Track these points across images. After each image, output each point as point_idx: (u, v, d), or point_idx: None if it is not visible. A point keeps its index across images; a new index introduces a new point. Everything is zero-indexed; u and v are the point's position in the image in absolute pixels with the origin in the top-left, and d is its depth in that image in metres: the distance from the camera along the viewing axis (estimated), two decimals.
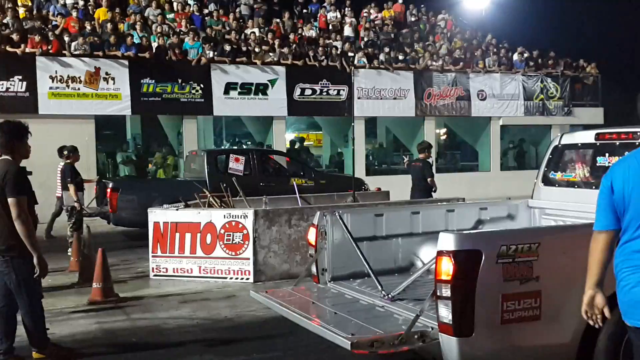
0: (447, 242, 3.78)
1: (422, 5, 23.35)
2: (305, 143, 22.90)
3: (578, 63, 22.80)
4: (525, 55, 21.95)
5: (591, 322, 2.95)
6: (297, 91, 18.15)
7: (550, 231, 4.33)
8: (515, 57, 21.79)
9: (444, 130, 24.99)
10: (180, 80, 16.72)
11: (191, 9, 19.04)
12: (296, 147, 20.36)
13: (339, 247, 5.39)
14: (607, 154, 5.30)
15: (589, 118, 22.63)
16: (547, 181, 5.89)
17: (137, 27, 17.01)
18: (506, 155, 22.82)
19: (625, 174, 2.79)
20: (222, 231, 8.23)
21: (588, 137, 5.57)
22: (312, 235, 5.42)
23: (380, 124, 22.80)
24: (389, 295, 4.69)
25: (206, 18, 18.89)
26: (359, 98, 18.85)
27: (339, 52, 18.85)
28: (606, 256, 2.88)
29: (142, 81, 16.35)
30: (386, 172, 20.47)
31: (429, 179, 10.00)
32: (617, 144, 5.20)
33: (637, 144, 5.10)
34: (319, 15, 20.83)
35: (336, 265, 5.42)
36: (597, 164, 5.41)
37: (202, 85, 16.94)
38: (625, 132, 5.17)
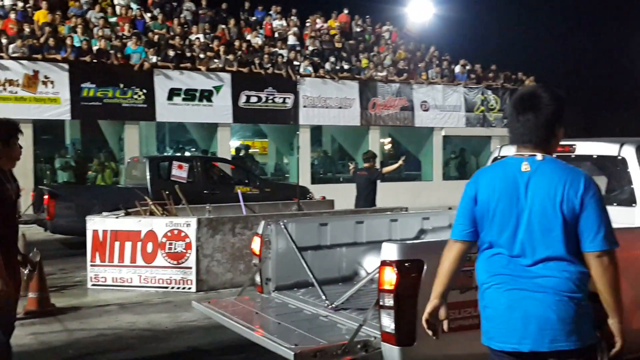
0: (390, 252, 3.81)
1: (367, 16, 23.64)
2: (251, 150, 22.79)
3: (517, 76, 23.53)
4: (467, 67, 22.52)
5: (430, 333, 2.82)
6: (243, 98, 18.06)
7: None
8: (457, 69, 22.32)
9: (388, 139, 25.35)
10: (122, 85, 16.38)
11: (134, 13, 18.69)
12: (241, 154, 20.25)
13: (283, 256, 5.37)
14: None
15: None
16: None
17: (78, 30, 16.57)
18: (448, 165, 23.30)
19: (491, 185, 2.66)
20: (164, 240, 8.07)
21: None
22: (256, 245, 5.39)
23: (325, 133, 22.94)
24: (333, 305, 4.70)
25: (150, 22, 18.57)
26: (304, 106, 18.94)
27: (284, 60, 18.88)
28: (457, 267, 2.77)
29: (82, 85, 15.94)
30: (331, 181, 20.59)
31: (381, 175, 10.23)
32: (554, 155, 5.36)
33: (572, 156, 5.28)
34: (264, 23, 20.81)
35: (280, 274, 5.40)
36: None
37: (144, 91, 16.64)
38: (562, 144, 5.33)
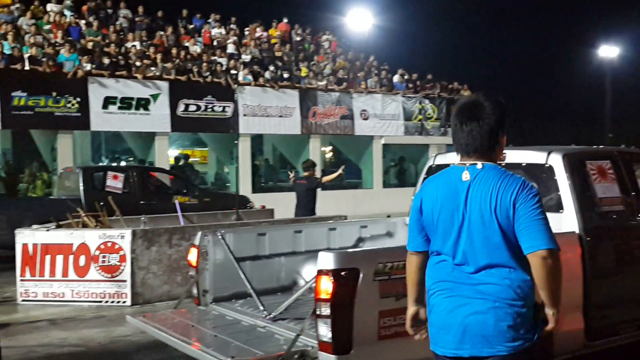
0: (326, 261, 3.81)
1: (307, 26, 23.78)
2: (190, 160, 22.46)
3: (453, 85, 24.11)
4: (405, 77, 22.92)
5: (417, 337, 2.93)
6: (181, 107, 17.78)
7: None
8: (396, 78, 22.69)
9: (329, 148, 25.49)
10: (54, 94, 15.83)
11: (67, 20, 18.16)
12: (180, 163, 19.91)
13: (221, 267, 5.30)
14: None
15: None
16: None
17: (9, 37, 15.94)
18: (388, 173, 23.61)
19: (434, 195, 2.71)
20: (97, 252, 7.84)
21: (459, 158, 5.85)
22: (193, 256, 5.30)
23: (266, 141, 22.86)
24: (271, 315, 4.66)
25: (84, 29, 18.08)
26: (244, 115, 18.82)
27: (223, 68, 18.72)
28: (420, 276, 2.84)
29: (13, 94, 15.30)
30: (272, 189, 20.51)
31: (320, 184, 10.23)
32: None
33: (502, 164, 5.43)
34: (203, 31, 20.60)
35: (218, 286, 5.32)
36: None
37: (78, 99, 16.13)
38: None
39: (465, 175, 2.64)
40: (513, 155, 5.35)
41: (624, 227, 5.13)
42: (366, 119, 21.36)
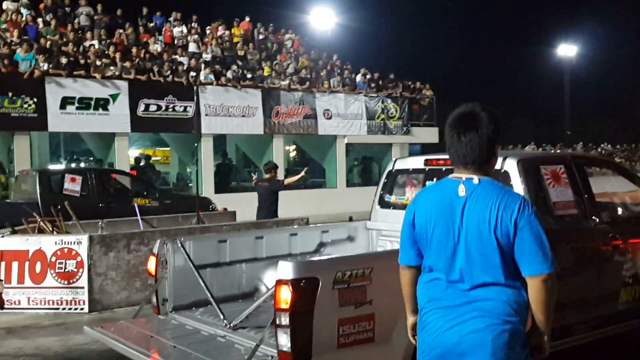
0: (285, 270, 3.80)
1: (269, 24, 23.67)
2: (152, 160, 22.15)
3: (415, 85, 24.32)
4: (368, 76, 23.02)
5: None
6: (142, 107, 17.53)
7: (382, 256, 4.53)
8: (358, 78, 22.77)
9: (293, 147, 25.47)
10: (10, 94, 15.43)
11: (24, 18, 17.70)
12: (141, 164, 19.62)
13: (181, 275, 5.24)
14: (435, 179, 5.66)
15: (426, 137, 24.23)
16: (383, 204, 6.17)
17: None
18: (352, 172, 23.71)
19: (428, 210, 2.66)
20: (54, 259, 7.67)
21: (418, 162, 5.92)
22: (151, 265, 5.22)
23: (229, 141, 22.70)
24: (231, 324, 4.63)
25: (42, 28, 17.64)
26: (206, 115, 18.66)
27: (184, 68, 18.52)
28: (414, 289, 2.82)
29: None
30: (236, 190, 20.38)
31: (283, 186, 10.20)
32: (444, 169, 5.58)
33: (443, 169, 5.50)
34: (164, 29, 20.32)
35: (178, 294, 5.26)
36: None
37: (35, 100, 15.76)
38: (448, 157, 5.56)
39: (462, 190, 2.59)
40: None
41: (577, 230, 5.24)
42: (329, 118, 21.39)
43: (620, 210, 5.89)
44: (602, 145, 38.65)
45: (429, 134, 24.11)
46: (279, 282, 3.81)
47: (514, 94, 56.90)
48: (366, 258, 4.40)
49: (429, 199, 2.69)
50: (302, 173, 11.01)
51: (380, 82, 23.29)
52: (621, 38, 67.12)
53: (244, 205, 16.57)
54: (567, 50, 42.46)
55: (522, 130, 48.00)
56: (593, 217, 5.32)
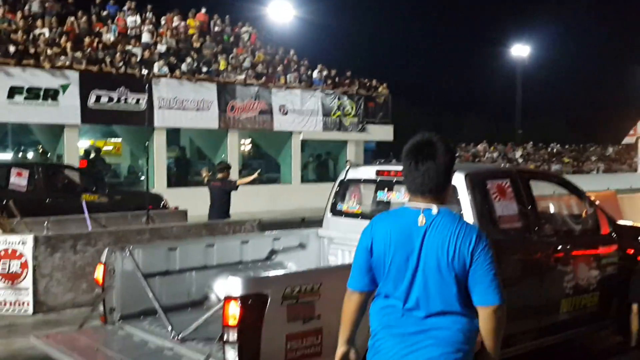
0: (234, 287, 3.81)
1: (226, 16, 23.41)
2: (103, 152, 21.70)
3: (371, 83, 24.48)
4: (324, 73, 23.04)
5: None
6: (93, 98, 17.14)
7: (331, 271, 4.58)
8: (315, 74, 22.77)
9: (249, 141, 25.32)
10: None
11: None
12: (91, 157, 19.20)
13: (129, 283, 5.16)
14: (385, 189, 5.74)
15: (381, 135, 24.46)
16: (335, 212, 6.21)
17: None
18: (307, 168, 23.74)
19: (387, 238, 2.67)
20: None
21: (370, 172, 5.98)
22: (99, 273, 5.14)
23: (184, 135, 22.41)
24: (179, 336, 4.60)
25: None
26: (159, 108, 18.39)
27: (138, 59, 18.17)
28: (359, 316, 2.81)
29: None
30: (189, 184, 20.14)
31: (235, 187, 10.13)
32: (394, 180, 5.66)
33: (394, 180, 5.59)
34: (117, 18, 19.86)
35: (126, 302, 5.18)
36: (378, 198, 5.84)
37: None
38: (396, 170, 5.64)
39: (421, 220, 2.62)
40: None
41: (521, 243, 5.40)
42: (285, 114, 21.35)
43: (562, 223, 6.08)
44: (551, 144, 39.73)
45: (384, 132, 24.34)
46: (228, 299, 3.82)
47: (467, 92, 57.91)
48: (315, 273, 4.44)
49: (387, 227, 2.71)
50: (255, 174, 10.97)
51: (337, 79, 23.36)
52: (573, 40, 68.94)
53: (197, 199, 16.40)
54: (520, 50, 43.43)
55: (475, 128, 48.91)
56: (536, 230, 5.50)
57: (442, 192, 2.68)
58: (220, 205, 10.09)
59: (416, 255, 2.62)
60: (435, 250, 2.59)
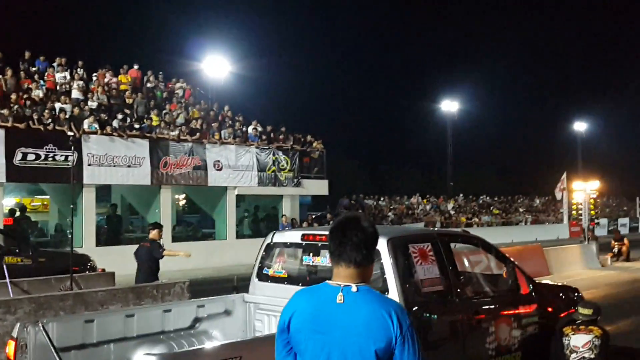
0: None
1: (160, 72, 23.34)
2: (29, 209, 20.88)
3: (306, 138, 24.78)
4: (259, 129, 23.19)
5: None
6: (19, 155, 16.64)
7: (251, 343, 4.51)
8: (250, 130, 22.89)
9: (183, 196, 24.98)
10: None
11: None
12: (17, 215, 18.44)
13: (43, 359, 4.93)
14: (311, 254, 5.75)
15: (317, 189, 24.65)
16: (261, 277, 6.16)
17: None
18: (242, 224, 23.55)
19: (304, 315, 2.61)
20: None
21: (295, 237, 5.99)
22: (10, 349, 4.89)
23: (115, 192, 21.89)
24: None
25: None
26: (89, 165, 18.00)
27: (67, 115, 17.81)
28: None
29: None
30: (119, 243, 19.58)
31: (161, 256, 9.73)
32: (319, 245, 5.69)
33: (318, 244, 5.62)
34: (47, 74, 19.50)
35: None
36: (303, 262, 5.84)
37: None
38: (326, 234, 5.68)
39: (340, 298, 2.54)
40: None
41: (442, 305, 5.49)
42: (220, 169, 21.27)
43: (484, 284, 6.23)
44: (481, 197, 40.96)
45: (319, 186, 24.54)
46: None
47: (401, 146, 59.38)
48: (235, 346, 4.36)
49: (305, 304, 2.63)
50: (182, 254, 10.65)
51: (272, 135, 23.53)
52: (501, 95, 72.22)
53: (128, 258, 15.93)
54: (449, 105, 45.09)
55: (409, 180, 49.98)
56: (458, 292, 5.61)
57: (365, 268, 2.62)
58: (147, 268, 9.78)
59: (333, 336, 2.52)
60: (354, 330, 2.49)
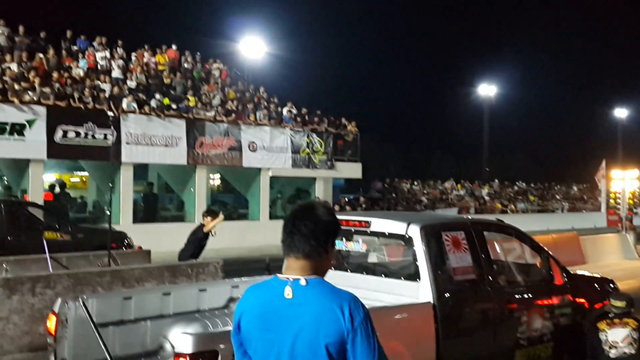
0: (184, 344, 3.81)
1: (197, 53, 23.53)
2: (69, 185, 21.41)
3: (340, 121, 24.75)
4: (294, 111, 23.25)
5: None
6: (59, 133, 17.02)
7: None
8: (285, 111, 22.96)
9: (217, 176, 25.28)
10: None
11: None
12: (56, 191, 18.93)
13: (82, 334, 5.09)
14: (344, 239, 5.80)
15: (350, 172, 24.66)
16: None
17: None
18: (275, 205, 23.73)
19: (253, 312, 2.44)
20: None
21: None
22: (51, 324, 5.07)
23: (151, 171, 22.29)
24: None
25: None
26: (127, 143, 18.31)
27: (107, 95, 18.13)
28: None
29: None
30: (156, 220, 19.96)
31: (205, 233, 9.88)
32: (353, 230, 5.73)
33: (368, 232, 5.66)
34: (87, 53, 19.84)
35: (78, 353, 5.11)
36: (336, 248, 5.88)
37: None
38: (359, 220, 5.72)
39: (288, 292, 2.37)
40: (378, 224, 5.61)
41: (474, 294, 5.50)
42: (254, 150, 21.42)
43: (517, 274, 6.19)
44: (517, 182, 40.42)
45: (352, 169, 24.54)
46: (177, 355, 3.81)
47: (436, 130, 58.90)
48: None
49: (254, 300, 2.46)
50: (220, 217, 10.70)
51: (306, 117, 23.56)
52: (540, 80, 70.89)
53: (163, 236, 16.30)
54: (487, 89, 44.46)
55: (443, 165, 49.60)
56: (490, 281, 5.60)
57: (317, 259, 2.44)
58: (192, 249, 9.93)
59: (282, 333, 2.37)
60: (302, 326, 2.34)
